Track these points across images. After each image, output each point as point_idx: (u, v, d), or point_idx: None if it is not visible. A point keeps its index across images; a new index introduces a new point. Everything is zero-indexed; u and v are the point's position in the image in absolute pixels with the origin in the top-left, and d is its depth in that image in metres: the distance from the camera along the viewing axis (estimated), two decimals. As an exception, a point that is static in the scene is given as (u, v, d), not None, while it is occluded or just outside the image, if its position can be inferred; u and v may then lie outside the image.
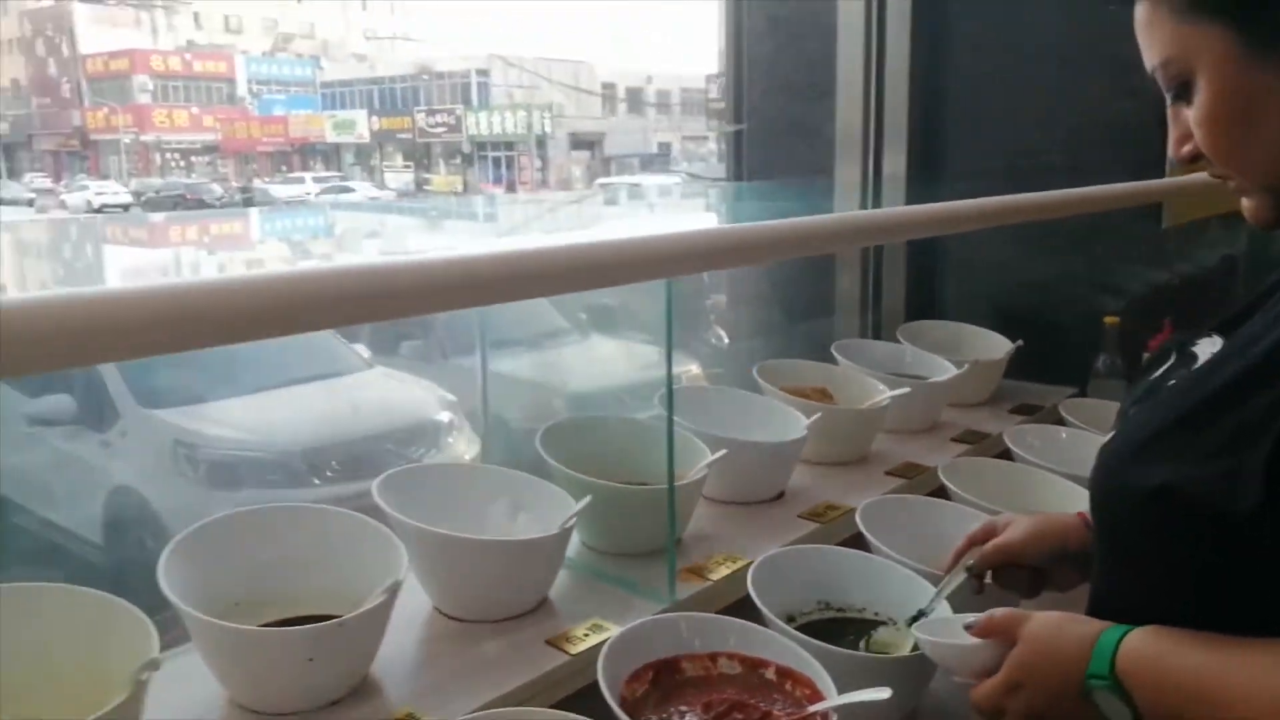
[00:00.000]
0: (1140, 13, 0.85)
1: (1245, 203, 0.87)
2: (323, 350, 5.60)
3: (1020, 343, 2.26)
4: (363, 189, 31.87)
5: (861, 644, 1.24)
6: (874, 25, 2.45)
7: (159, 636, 0.96)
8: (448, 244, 1.68)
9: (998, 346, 2.29)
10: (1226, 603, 0.77)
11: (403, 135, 39.12)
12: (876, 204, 2.44)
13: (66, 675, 0.94)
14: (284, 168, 40.70)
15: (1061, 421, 1.96)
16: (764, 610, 1.20)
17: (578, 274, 1.03)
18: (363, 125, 39.93)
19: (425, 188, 36.72)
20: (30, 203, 33.81)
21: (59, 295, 0.63)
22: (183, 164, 42.42)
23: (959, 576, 1.20)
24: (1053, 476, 1.59)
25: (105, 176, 38.53)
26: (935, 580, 1.24)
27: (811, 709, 1.07)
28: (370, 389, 5.68)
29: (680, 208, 2.71)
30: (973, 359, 2.18)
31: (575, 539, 1.45)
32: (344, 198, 28.92)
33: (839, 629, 1.30)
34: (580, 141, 37.04)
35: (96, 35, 43.62)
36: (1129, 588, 0.88)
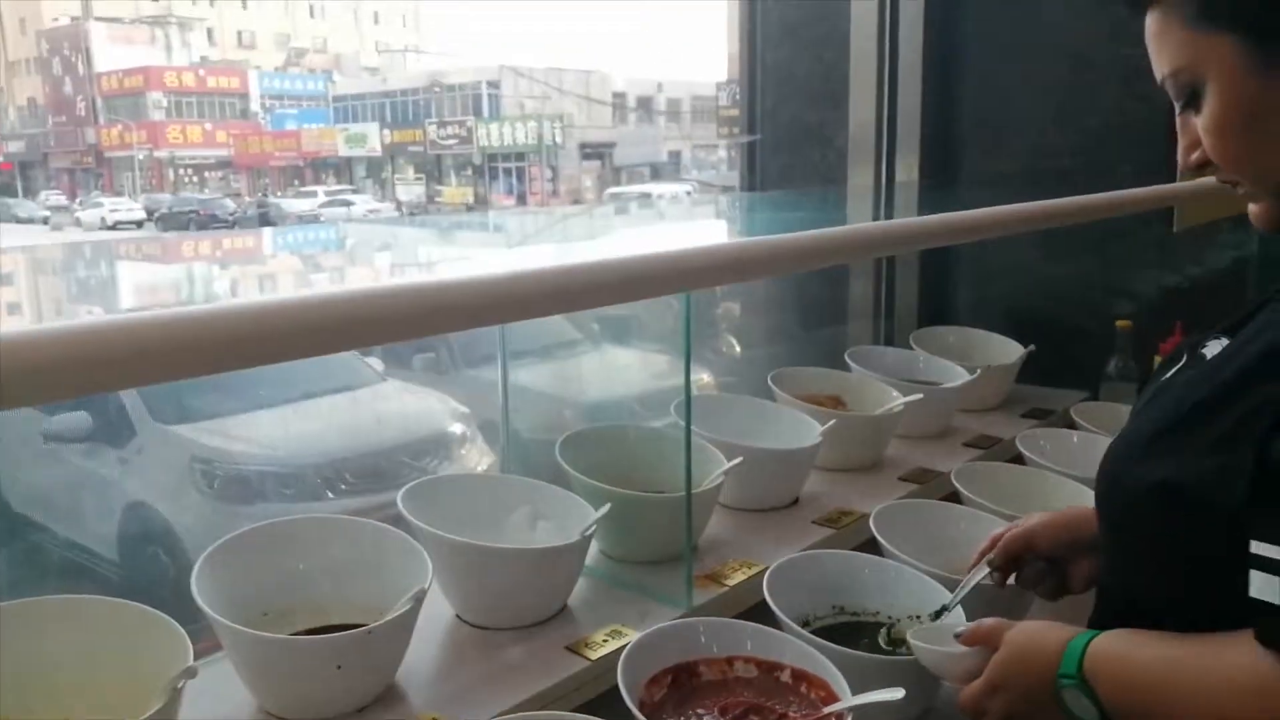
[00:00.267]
0: (1151, 22, 0.87)
1: (1252, 207, 0.89)
2: (336, 364, 5.64)
3: (1032, 347, 2.27)
4: (362, 202, 31.90)
5: (882, 635, 1.25)
6: (886, 32, 2.48)
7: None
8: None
9: (1010, 351, 2.30)
10: (1221, 596, 0.79)
11: (414, 148, 39.33)
12: (889, 212, 2.46)
13: (105, 684, 0.97)
14: (296, 182, 40.97)
15: (1073, 425, 1.97)
16: (779, 614, 1.22)
17: (595, 291, 1.06)
18: (374, 138, 40.16)
19: (436, 199, 36.89)
20: (45, 220, 34.14)
21: (76, 325, 0.66)
22: (196, 180, 42.77)
23: (981, 572, 1.21)
24: (1065, 480, 1.61)
25: (119, 193, 38.85)
26: (948, 584, 1.26)
27: (826, 710, 1.09)
28: (384, 402, 5.72)
29: (691, 217, 2.73)
30: (984, 364, 2.20)
31: (594, 547, 1.47)
32: (344, 212, 29.11)
33: (853, 632, 1.32)
34: (591, 151, 37.15)
35: (111, 53, 44.09)
36: (1132, 580, 0.91)
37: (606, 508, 1.31)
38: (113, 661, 0.98)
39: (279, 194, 36.13)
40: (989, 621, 0.98)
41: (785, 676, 1.17)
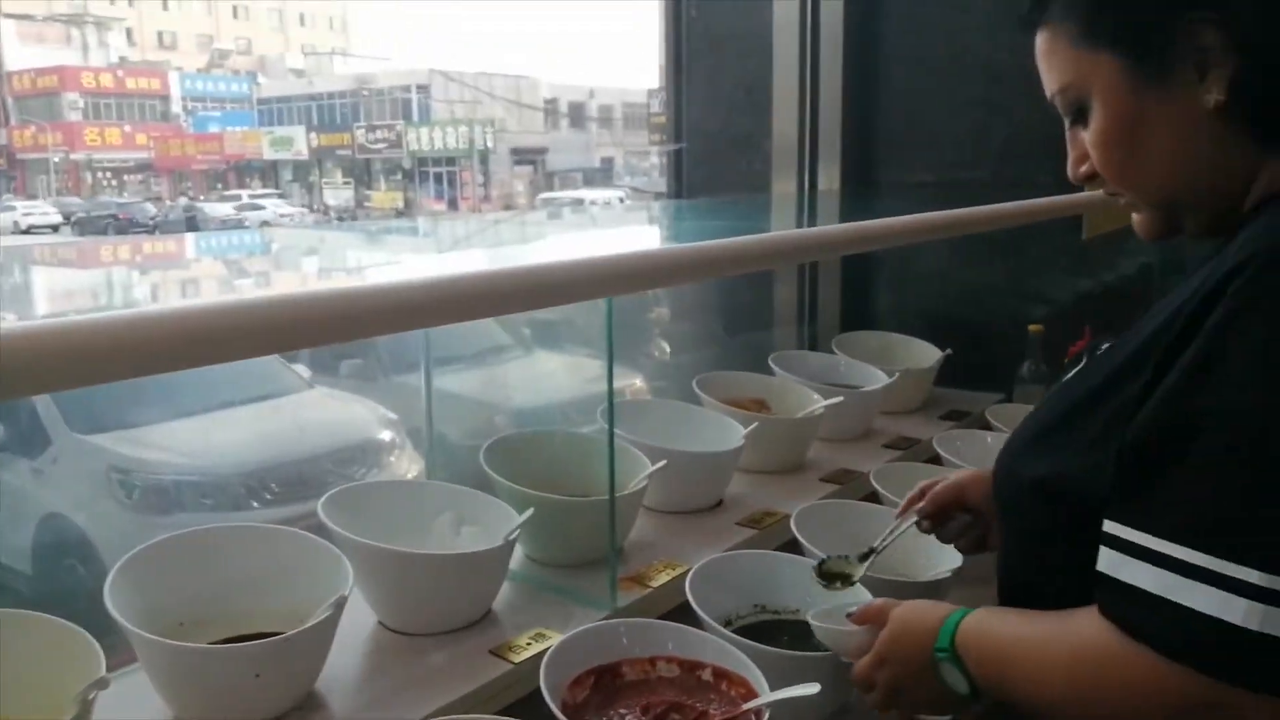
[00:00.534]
0: (1040, 42, 0.91)
1: (1135, 217, 0.93)
2: (261, 371, 5.54)
3: (949, 351, 2.34)
4: (273, 207, 31.22)
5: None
6: (808, 44, 2.53)
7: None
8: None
9: (928, 356, 2.37)
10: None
11: (342, 151, 38.74)
12: (812, 218, 2.51)
13: (15, 697, 0.95)
14: (220, 185, 40.05)
15: (988, 426, 2.04)
16: (700, 614, 1.24)
17: (518, 296, 1.08)
18: (301, 142, 39.44)
19: (366, 204, 36.38)
20: (-46, 223, 32.80)
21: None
22: (115, 183, 41.53)
23: (909, 520, 1.27)
24: (978, 479, 1.65)
25: (33, 196, 37.54)
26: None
27: (745, 706, 1.11)
28: (310, 409, 5.63)
29: (618, 223, 2.75)
30: (904, 368, 2.25)
31: (519, 551, 1.48)
32: (256, 216, 28.48)
33: (774, 630, 1.35)
34: (523, 156, 37.01)
35: (22, 52, 42.59)
36: (1023, 565, 0.97)
37: (529, 513, 1.32)
38: (23, 675, 0.96)
39: (202, 198, 35.26)
40: (878, 601, 1.05)
41: (706, 675, 1.19)
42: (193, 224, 28.23)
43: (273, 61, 49.97)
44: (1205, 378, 0.73)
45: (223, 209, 30.40)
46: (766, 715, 1.08)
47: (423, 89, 37.69)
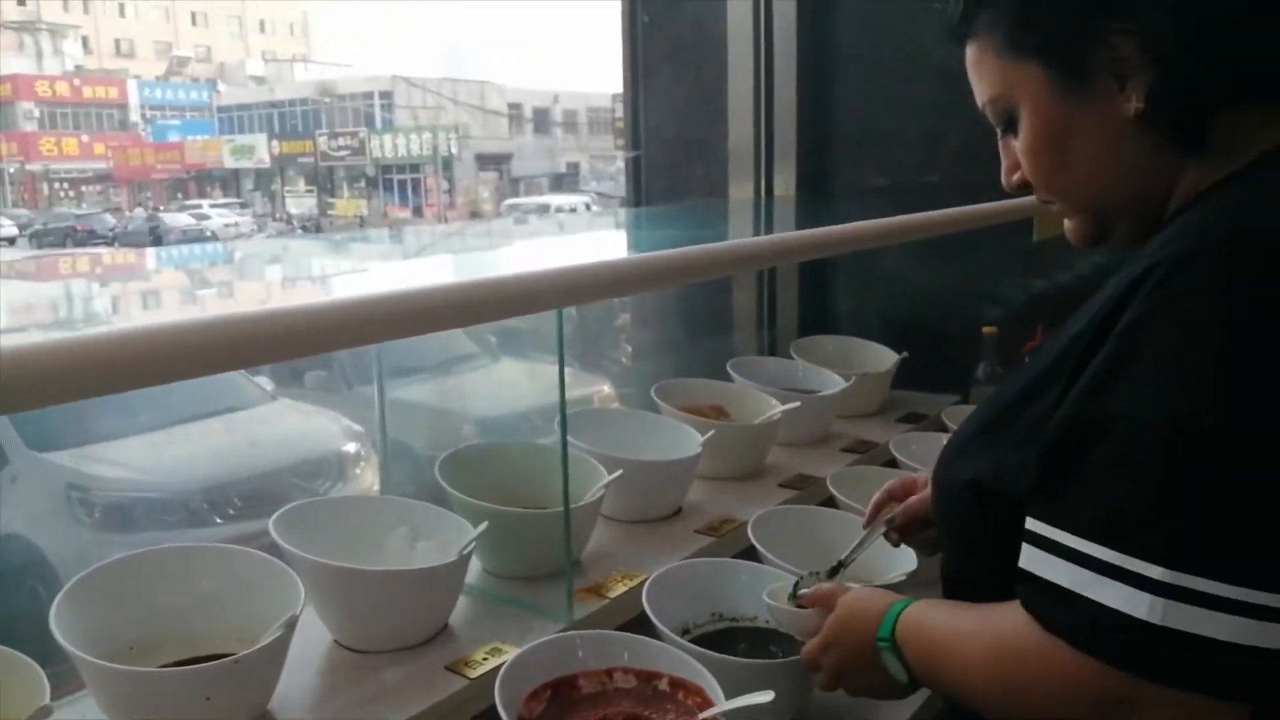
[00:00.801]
0: (970, 53, 0.93)
1: (1068, 224, 0.95)
2: (223, 384, 5.47)
3: (905, 354, 2.36)
4: (219, 216, 30.72)
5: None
6: (762, 50, 2.55)
7: (53, 685, 0.96)
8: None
9: (885, 359, 2.39)
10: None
11: (305, 159, 38.42)
12: (768, 224, 2.53)
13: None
14: (180, 195, 39.56)
15: (944, 428, 2.06)
16: (657, 624, 1.25)
17: (469, 309, 1.08)
18: (263, 149, 39.07)
19: (329, 212, 36.10)
20: (-94, 237, 32.15)
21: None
22: (73, 194, 40.91)
23: (879, 530, 1.28)
24: (933, 482, 1.67)
25: (-12, 208, 36.89)
26: None
27: (701, 716, 1.12)
28: (273, 422, 5.58)
29: (570, 231, 2.76)
30: (861, 372, 2.27)
31: (476, 565, 1.48)
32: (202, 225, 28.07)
33: (732, 638, 1.36)
34: (488, 162, 36.91)
35: (-25, 61, 41.85)
36: (961, 566, 0.99)
37: (484, 526, 1.32)
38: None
39: (162, 208, 34.78)
40: (828, 586, 1.11)
41: (663, 685, 1.19)
42: (156, 234, 27.85)
43: (233, 69, 49.46)
44: (1114, 380, 0.75)
45: (183, 219, 30.03)
46: (721, 724, 1.09)
47: (385, 95, 37.49)
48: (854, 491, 1.67)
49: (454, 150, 35.51)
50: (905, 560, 1.42)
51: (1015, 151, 0.92)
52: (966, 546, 0.98)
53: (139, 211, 33.84)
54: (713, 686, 1.14)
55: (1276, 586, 0.68)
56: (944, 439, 1.93)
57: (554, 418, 1.73)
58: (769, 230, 2.38)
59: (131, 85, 44.35)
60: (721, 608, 1.39)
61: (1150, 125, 0.83)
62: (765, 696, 1.09)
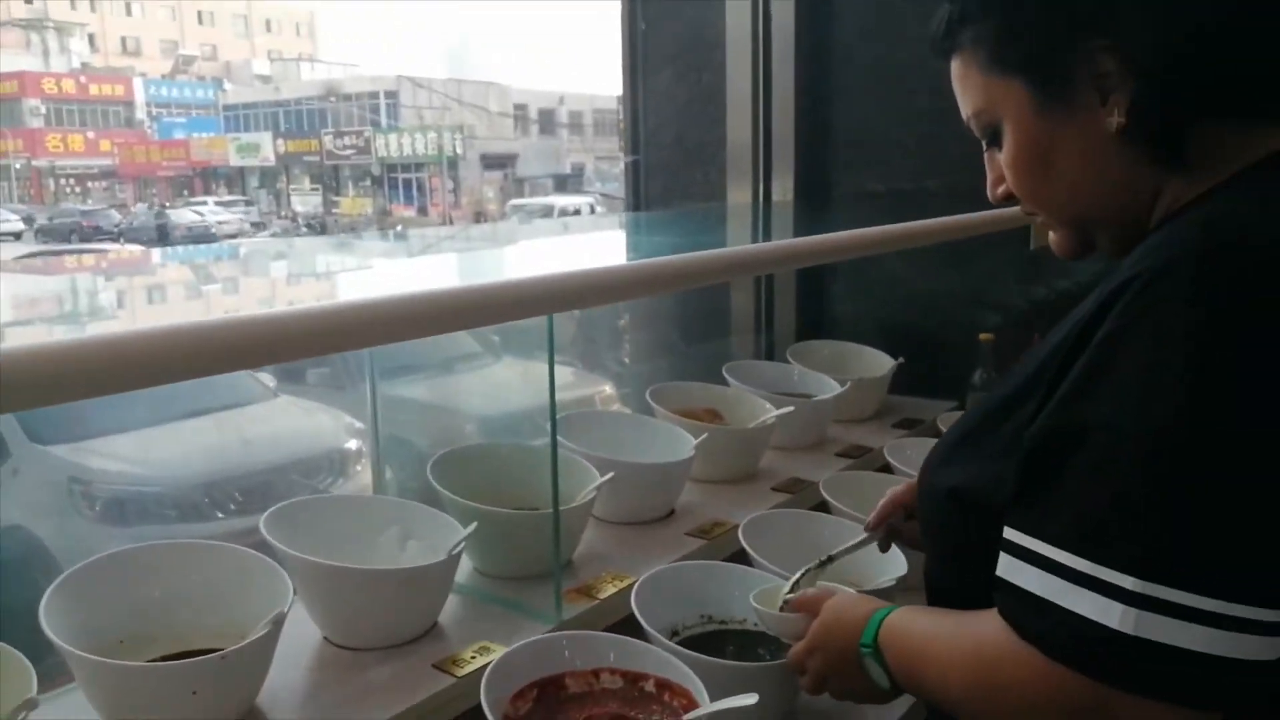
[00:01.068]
0: (954, 68, 0.94)
1: (1052, 236, 0.96)
2: (225, 380, 5.48)
3: (901, 360, 2.37)
4: (210, 213, 30.63)
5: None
6: (760, 54, 2.56)
7: (46, 678, 0.97)
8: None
9: (881, 364, 2.40)
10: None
11: (310, 158, 38.48)
12: (766, 230, 2.54)
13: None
14: (186, 192, 39.65)
15: (939, 434, 2.06)
16: (644, 625, 1.26)
17: (459, 315, 1.09)
18: (268, 148, 39.13)
19: (334, 211, 36.15)
20: (-87, 232, 32.24)
21: None
22: (79, 190, 41.01)
23: (877, 537, 1.31)
24: (925, 487, 1.68)
25: (-5, 203, 36.99)
26: None
27: (685, 717, 1.13)
28: (275, 419, 5.60)
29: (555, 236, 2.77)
30: (856, 377, 2.28)
31: (467, 565, 1.49)
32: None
33: (721, 640, 1.36)
34: (493, 162, 36.95)
35: (-18, 57, 41.98)
36: (943, 574, 1.00)
37: (473, 526, 1.33)
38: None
39: (167, 205, 34.87)
40: (813, 590, 1.12)
41: (649, 686, 1.20)
42: (163, 231, 27.92)
43: (239, 67, 49.56)
44: (1092, 389, 0.76)
45: (189, 215, 30.10)
46: (706, 725, 1.10)
47: (391, 95, 37.55)
48: (847, 496, 1.68)
49: (459, 150, 35.55)
50: (895, 565, 1.43)
51: (1000, 164, 0.93)
52: (949, 554, 0.98)
53: (140, 208, 33.89)
54: (698, 688, 1.15)
55: (1246, 598, 0.69)
56: (937, 445, 1.97)
57: (562, 421, 1.74)
58: (766, 237, 2.39)
59: (138, 83, 44.47)
60: (711, 610, 1.40)
61: (1132, 139, 0.83)
62: (750, 699, 1.10)
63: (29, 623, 1.05)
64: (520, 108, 38.62)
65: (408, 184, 36.72)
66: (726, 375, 2.16)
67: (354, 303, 0.98)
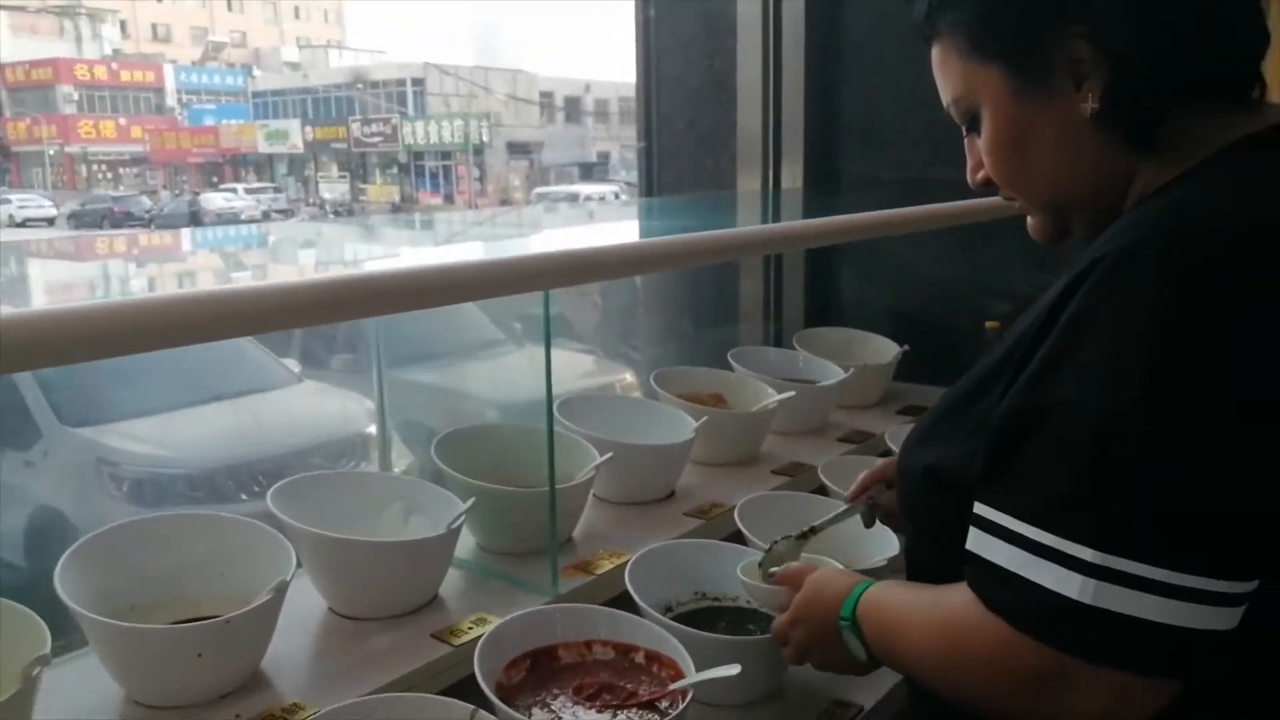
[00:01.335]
0: (934, 54, 0.97)
1: (1030, 221, 0.98)
2: (250, 365, 5.58)
3: (906, 347, 2.39)
4: (223, 200, 30.82)
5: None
6: (770, 41, 2.58)
7: (60, 639, 1.02)
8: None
9: (887, 351, 2.42)
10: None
11: (338, 145, 38.73)
12: (775, 215, 2.56)
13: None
14: (215, 179, 40.02)
15: (938, 420, 2.08)
16: (637, 600, 1.29)
17: (459, 288, 1.14)
18: (296, 135, 39.41)
19: (361, 198, 36.39)
20: (-51, 216, 32.78)
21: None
22: (110, 176, 41.50)
23: (860, 508, 1.33)
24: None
25: (29, 188, 37.51)
26: None
27: (671, 687, 1.17)
28: (298, 403, 5.67)
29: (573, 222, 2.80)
30: (862, 363, 2.30)
31: (470, 541, 1.54)
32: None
33: (713, 617, 1.40)
34: (519, 150, 37.01)
35: (15, 44, 42.49)
36: (921, 551, 1.03)
37: (471, 502, 1.37)
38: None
39: (199, 191, 35.25)
40: (796, 565, 1.15)
41: (640, 658, 1.24)
42: (195, 217, 28.27)
43: (267, 54, 49.88)
44: (1057, 369, 0.78)
45: (218, 201, 30.44)
46: (690, 695, 1.14)
47: (418, 82, 37.68)
48: (845, 480, 1.69)
49: (485, 138, 35.64)
50: (889, 545, 1.46)
51: (979, 150, 0.95)
52: (926, 532, 1.01)
53: (165, 195, 34.29)
54: (685, 660, 1.19)
55: (1200, 569, 0.72)
56: (938, 430, 1.99)
57: (567, 403, 1.79)
58: (775, 220, 2.42)
59: (168, 70, 44.87)
60: (705, 587, 1.43)
61: (1106, 125, 0.86)
62: (732, 669, 1.14)
63: (52, 593, 1.10)
64: (546, 95, 38.64)
65: (434, 172, 36.87)
66: (731, 361, 2.20)
67: (356, 275, 1.03)
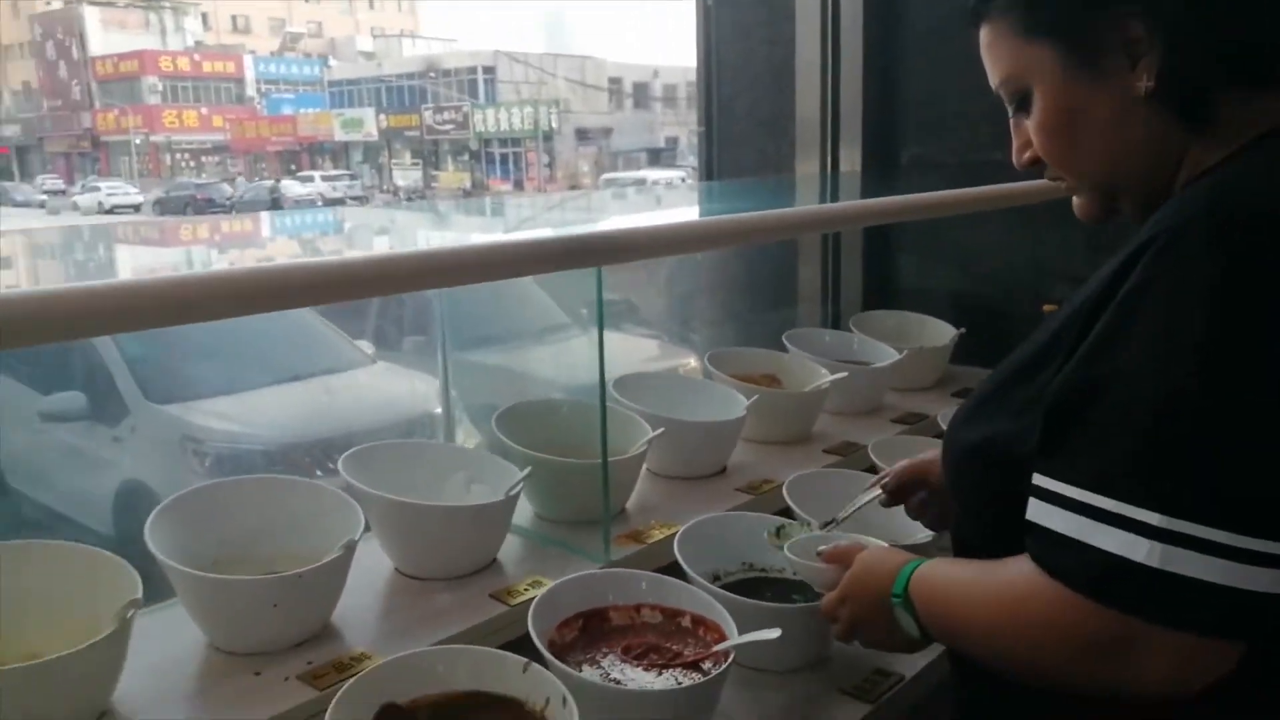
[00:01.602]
0: (984, 35, 0.97)
1: (1076, 200, 0.99)
2: (325, 347, 5.76)
3: (963, 330, 2.40)
4: (290, 189, 31.37)
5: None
6: (829, 26, 2.59)
7: (146, 592, 1.12)
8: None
9: (943, 334, 2.43)
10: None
11: (411, 133, 39.35)
12: (833, 197, 2.58)
13: (64, 618, 1.10)
14: (293, 166, 40.98)
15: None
16: (685, 568, 1.35)
17: (509, 264, 1.20)
18: (371, 123, 40.15)
19: (433, 185, 36.94)
20: (42, 204, 34.17)
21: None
22: (193, 164, 42.77)
23: (873, 493, 1.37)
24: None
25: (117, 176, 38.87)
26: None
27: (715, 648, 1.22)
28: (371, 383, 5.83)
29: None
30: (918, 346, 2.32)
31: (528, 509, 1.61)
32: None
33: (760, 586, 1.44)
34: (587, 136, 37.16)
35: (105, 37, 43.99)
36: (969, 529, 1.04)
37: (528, 470, 1.44)
38: (68, 599, 1.11)
39: (279, 179, 36.19)
40: (845, 542, 1.16)
41: (686, 622, 1.30)
42: (276, 204, 29.07)
43: (343, 44, 50.85)
44: (1113, 343, 0.80)
45: (297, 188, 31.26)
46: (732, 656, 1.19)
47: (489, 70, 38.04)
48: (894, 459, 1.72)
49: (554, 124, 35.86)
50: (918, 527, 1.49)
51: (1026, 131, 0.96)
52: (974, 510, 1.02)
53: (240, 181, 35.30)
54: (729, 625, 1.24)
55: (1264, 532, 0.73)
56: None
57: (623, 381, 1.85)
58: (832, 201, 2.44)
59: (248, 60, 46.06)
60: (752, 559, 1.48)
61: (1159, 104, 0.87)
62: (773, 633, 1.19)
63: (137, 555, 1.20)
64: (615, 81, 38.69)
65: (504, 158, 37.24)
66: (786, 342, 2.23)
67: (407, 253, 1.10)
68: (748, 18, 2.77)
